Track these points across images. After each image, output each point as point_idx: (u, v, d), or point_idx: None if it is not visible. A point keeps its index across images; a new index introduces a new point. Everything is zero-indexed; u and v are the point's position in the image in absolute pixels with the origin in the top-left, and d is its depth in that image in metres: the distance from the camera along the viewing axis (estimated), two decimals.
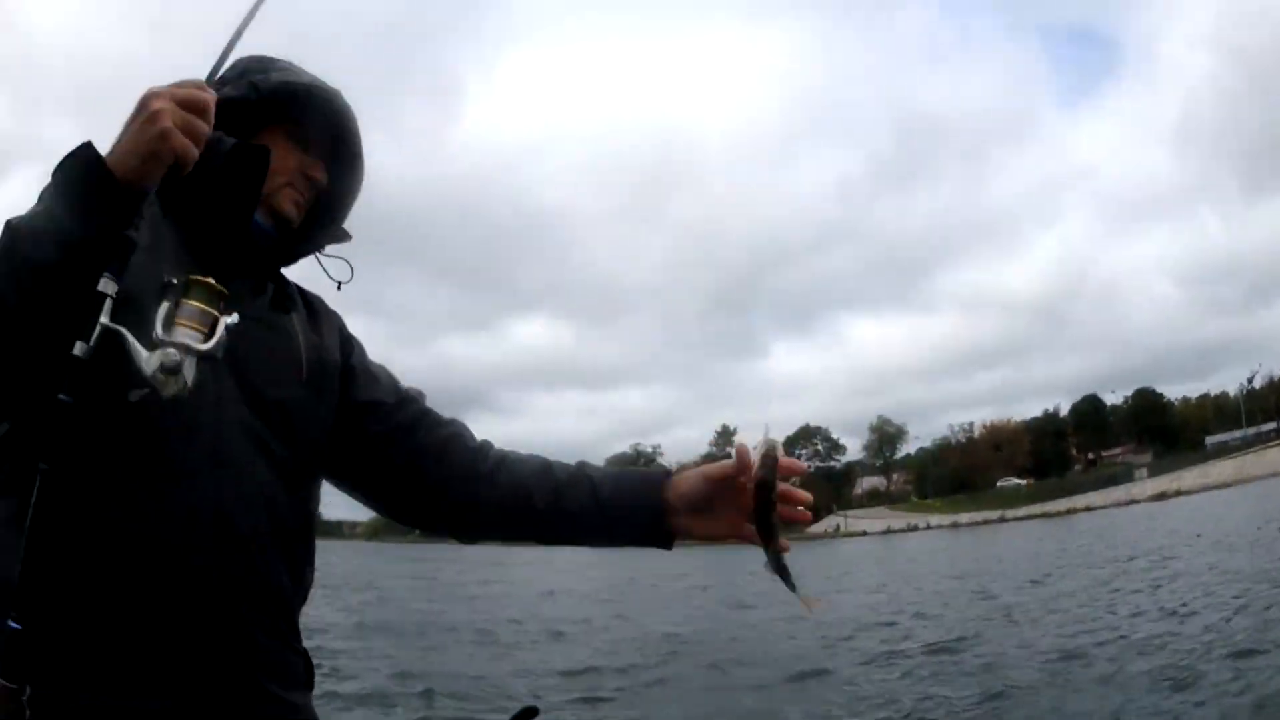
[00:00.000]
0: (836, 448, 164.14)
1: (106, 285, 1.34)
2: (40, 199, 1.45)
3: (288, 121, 1.81)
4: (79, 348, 1.31)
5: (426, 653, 17.48)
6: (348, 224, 1.98)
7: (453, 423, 2.01)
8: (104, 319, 1.33)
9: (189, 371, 1.35)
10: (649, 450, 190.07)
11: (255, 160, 1.71)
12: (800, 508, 1.74)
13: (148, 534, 1.50)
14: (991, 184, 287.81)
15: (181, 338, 1.35)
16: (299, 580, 1.76)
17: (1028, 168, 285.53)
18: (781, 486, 1.70)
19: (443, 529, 2.05)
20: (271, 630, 1.65)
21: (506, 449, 2.02)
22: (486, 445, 2.00)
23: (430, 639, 19.43)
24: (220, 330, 1.39)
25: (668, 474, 1.88)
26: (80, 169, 1.40)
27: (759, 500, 1.70)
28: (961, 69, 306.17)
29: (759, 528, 1.73)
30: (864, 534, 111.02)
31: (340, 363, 1.92)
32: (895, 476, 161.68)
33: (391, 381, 2.01)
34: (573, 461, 1.96)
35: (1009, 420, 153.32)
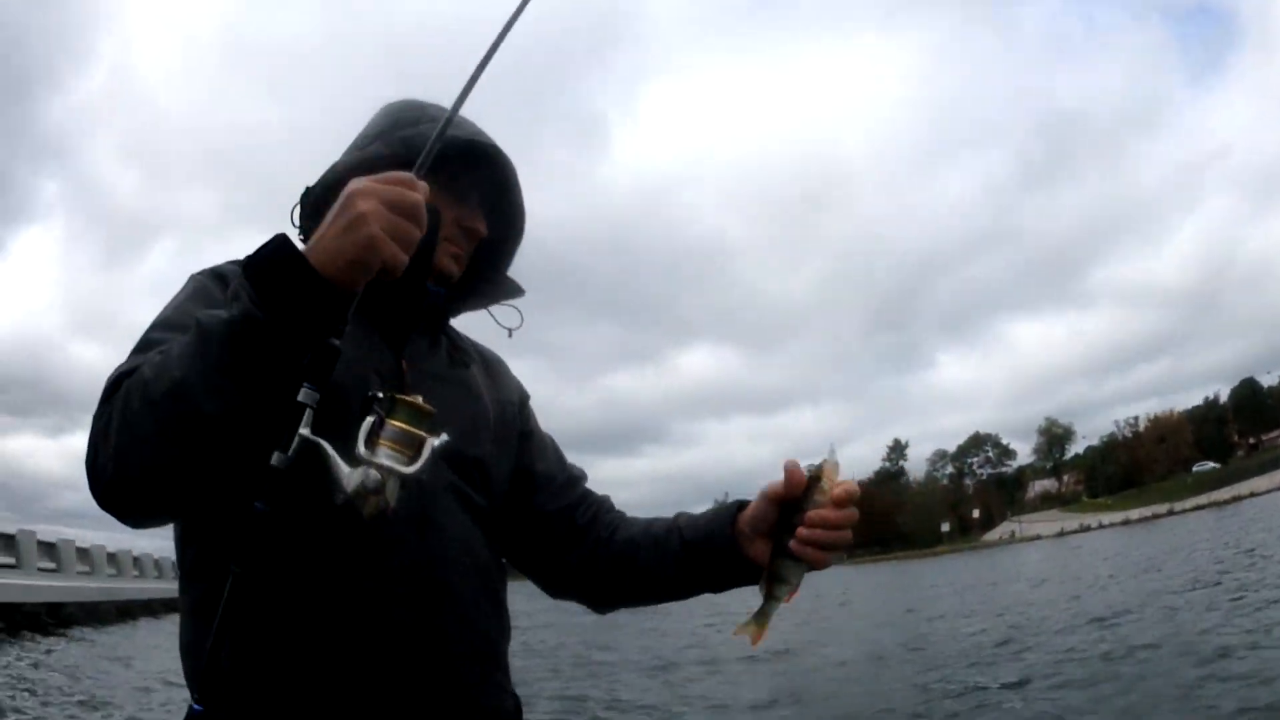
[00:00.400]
0: (1006, 453, 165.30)
1: (307, 395, 1.29)
2: (233, 297, 1.34)
3: (443, 174, 1.67)
4: (276, 458, 1.28)
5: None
6: (516, 275, 1.93)
7: (602, 501, 1.99)
8: (304, 430, 1.28)
9: (392, 493, 1.30)
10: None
11: (430, 222, 1.51)
12: (820, 548, 1.54)
13: (359, 602, 1.49)
14: (1131, 174, 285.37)
15: (384, 459, 1.29)
16: (504, 624, 1.75)
17: (1165, 153, 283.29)
18: (818, 513, 1.52)
19: (578, 599, 1.99)
20: (486, 678, 1.65)
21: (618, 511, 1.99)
22: (616, 515, 1.96)
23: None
24: (427, 452, 1.33)
25: (741, 504, 1.71)
26: (281, 269, 1.30)
27: (779, 519, 1.59)
28: (1090, 60, 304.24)
29: (773, 546, 1.60)
30: (1038, 538, 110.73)
31: (519, 421, 1.93)
32: (1066, 477, 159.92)
33: (559, 455, 2.01)
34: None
35: (1171, 411, 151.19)
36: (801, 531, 1.54)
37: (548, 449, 2.00)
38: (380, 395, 1.35)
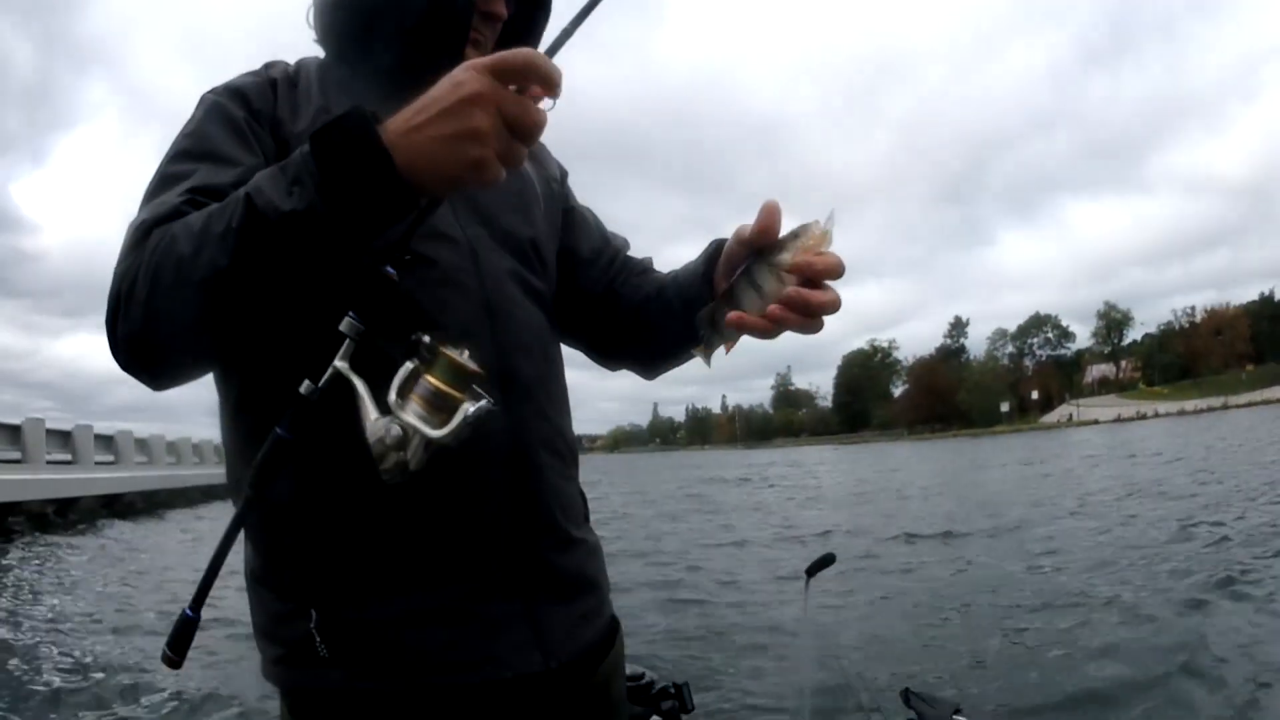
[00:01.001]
0: (1066, 335, 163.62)
1: (350, 326, 1.18)
2: (294, 180, 1.16)
3: None
4: (305, 386, 1.19)
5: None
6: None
7: (642, 262, 1.86)
8: (340, 362, 1.19)
9: (415, 454, 1.15)
10: (884, 345, 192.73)
11: (456, 6, 1.50)
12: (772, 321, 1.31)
13: None
14: (1193, 62, 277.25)
15: (412, 416, 1.15)
16: (568, 407, 1.66)
17: (1226, 41, 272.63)
18: (784, 292, 1.30)
19: (628, 367, 1.89)
20: (561, 471, 1.56)
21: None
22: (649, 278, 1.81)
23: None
24: (458, 419, 1.16)
25: (721, 243, 1.55)
26: (358, 161, 1.13)
27: (745, 267, 1.37)
28: None
29: (725, 292, 1.40)
30: (1095, 422, 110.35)
31: (563, 198, 1.81)
32: (1124, 363, 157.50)
33: (601, 230, 1.88)
34: None
35: (1228, 305, 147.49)
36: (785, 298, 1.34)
37: (590, 225, 1.85)
38: (425, 340, 1.18)
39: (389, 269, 1.22)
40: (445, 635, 1.36)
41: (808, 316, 1.30)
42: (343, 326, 1.19)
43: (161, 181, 1.39)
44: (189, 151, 1.42)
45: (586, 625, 1.54)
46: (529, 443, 1.48)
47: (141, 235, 1.28)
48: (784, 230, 1.34)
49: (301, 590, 1.35)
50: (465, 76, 1.13)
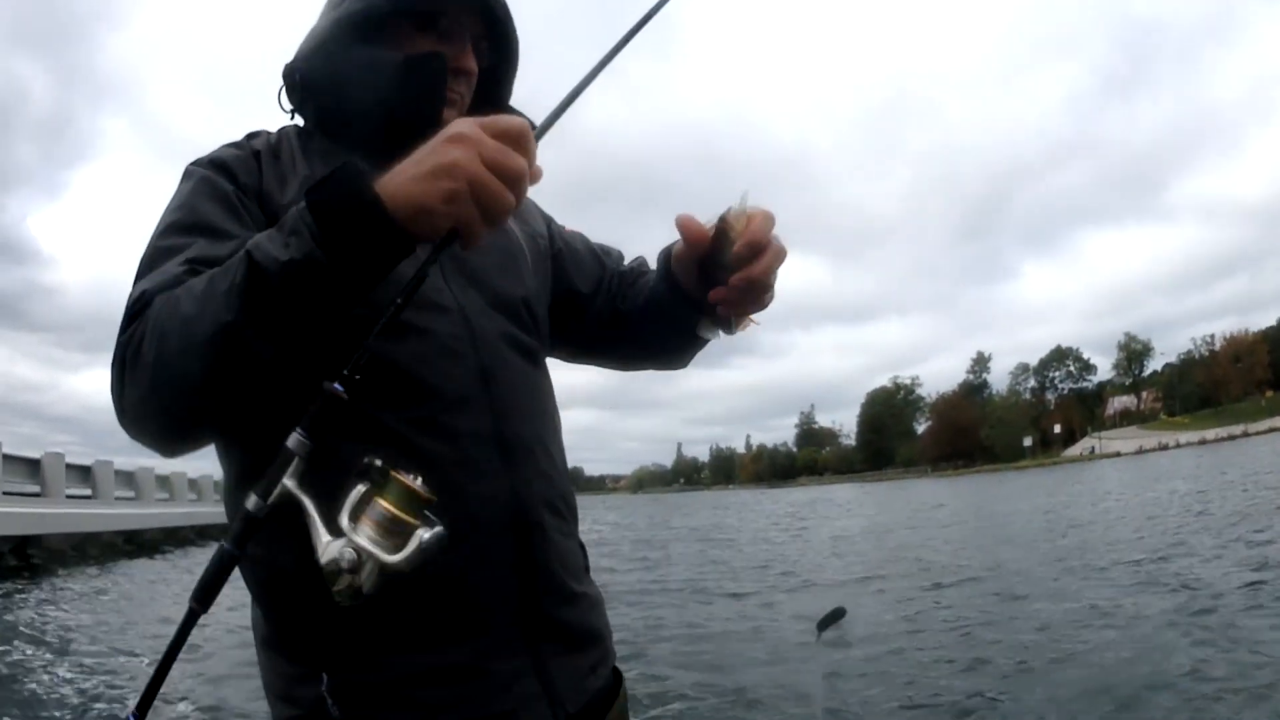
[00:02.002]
0: (1087, 368, 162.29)
1: (297, 444, 1.14)
2: (292, 231, 1.20)
3: (416, 15, 1.56)
4: (253, 502, 1.13)
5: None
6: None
7: (635, 269, 1.89)
8: (289, 480, 1.14)
9: (368, 578, 1.12)
10: (907, 382, 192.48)
11: (432, 71, 1.52)
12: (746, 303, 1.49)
13: (435, 472, 1.24)
14: (1209, 86, 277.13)
15: (365, 540, 1.12)
16: (565, 462, 1.66)
17: (1241, 65, 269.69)
18: (736, 277, 1.43)
19: (650, 368, 1.95)
20: (562, 529, 1.56)
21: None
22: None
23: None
24: (413, 545, 1.13)
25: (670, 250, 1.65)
26: (351, 206, 1.18)
27: (700, 274, 1.54)
28: None
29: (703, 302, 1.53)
30: (1118, 455, 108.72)
31: (550, 247, 1.81)
32: (1144, 394, 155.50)
33: (594, 257, 1.88)
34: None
35: (1246, 331, 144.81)
36: (719, 293, 1.48)
37: (582, 258, 1.86)
38: (376, 464, 1.15)
39: (336, 385, 1.16)
40: (457, 692, 1.37)
41: (766, 280, 1.47)
42: (290, 443, 1.15)
43: (156, 254, 1.40)
44: (181, 225, 1.43)
45: (593, 676, 1.57)
46: (530, 504, 1.49)
47: (143, 305, 1.30)
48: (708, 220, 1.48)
49: (311, 654, 1.35)
50: (454, 123, 1.21)
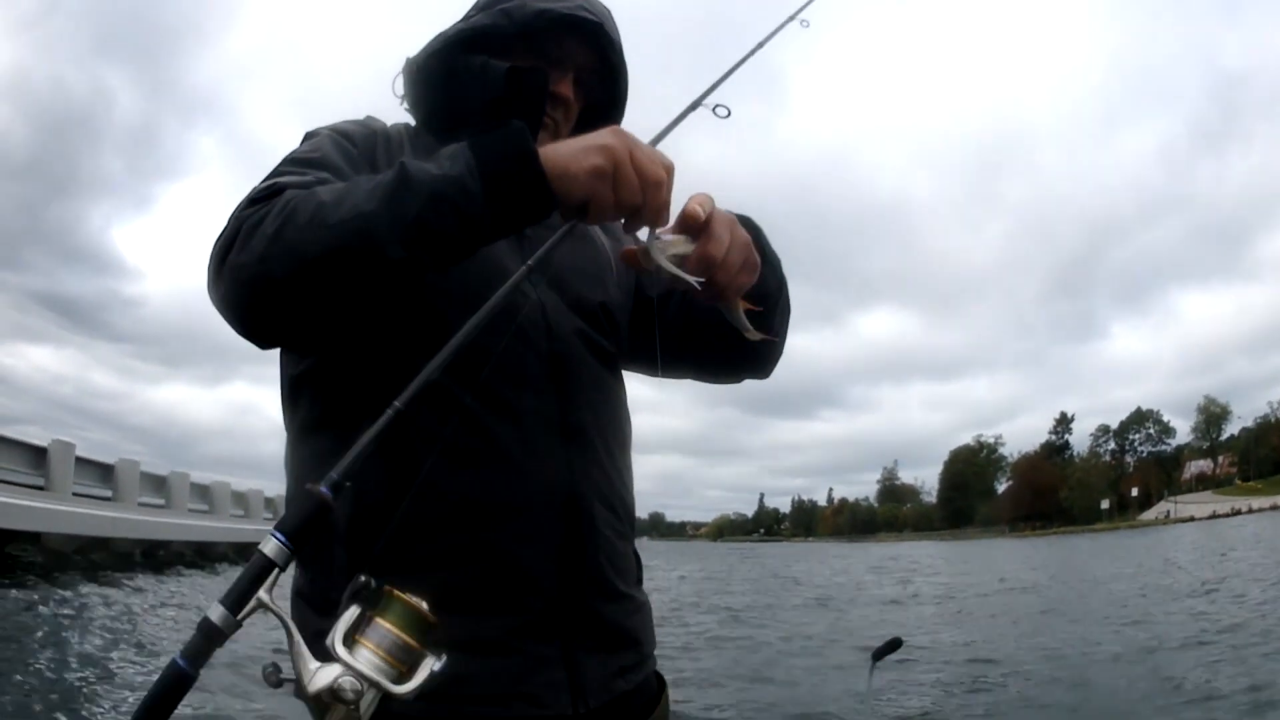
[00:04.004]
0: (1166, 431, 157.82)
1: (277, 552, 1.06)
2: (449, 157, 1.30)
3: (543, 51, 1.66)
4: (218, 613, 1.03)
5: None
6: None
7: None
8: (263, 593, 1.05)
9: (368, 709, 1.04)
10: (990, 441, 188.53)
11: (534, 84, 1.61)
12: (724, 291, 1.42)
13: (502, 454, 1.43)
14: None
15: (366, 665, 1.04)
16: (629, 471, 1.67)
17: None
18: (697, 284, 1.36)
19: (747, 375, 1.89)
20: (615, 527, 1.57)
21: None
22: None
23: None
24: (423, 675, 1.08)
25: None
26: (510, 152, 1.28)
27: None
28: (1255, 21, 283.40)
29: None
30: (1191, 519, 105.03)
31: None
32: (1220, 459, 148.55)
33: None
34: None
35: None
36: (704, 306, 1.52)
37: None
38: (370, 583, 1.10)
39: (324, 489, 1.11)
40: (486, 665, 1.36)
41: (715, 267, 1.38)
42: (268, 550, 1.07)
43: (282, 173, 1.45)
44: (309, 160, 1.50)
45: (622, 678, 1.55)
46: (585, 493, 1.50)
47: (274, 191, 1.34)
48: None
49: (298, 549, 1.19)
50: (614, 128, 1.34)
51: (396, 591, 1.10)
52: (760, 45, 1.79)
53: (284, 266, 1.26)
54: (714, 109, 1.67)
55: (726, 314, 1.48)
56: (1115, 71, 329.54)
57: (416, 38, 1.73)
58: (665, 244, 1.35)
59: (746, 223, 1.54)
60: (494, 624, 1.40)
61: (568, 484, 1.49)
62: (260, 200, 1.33)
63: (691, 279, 1.35)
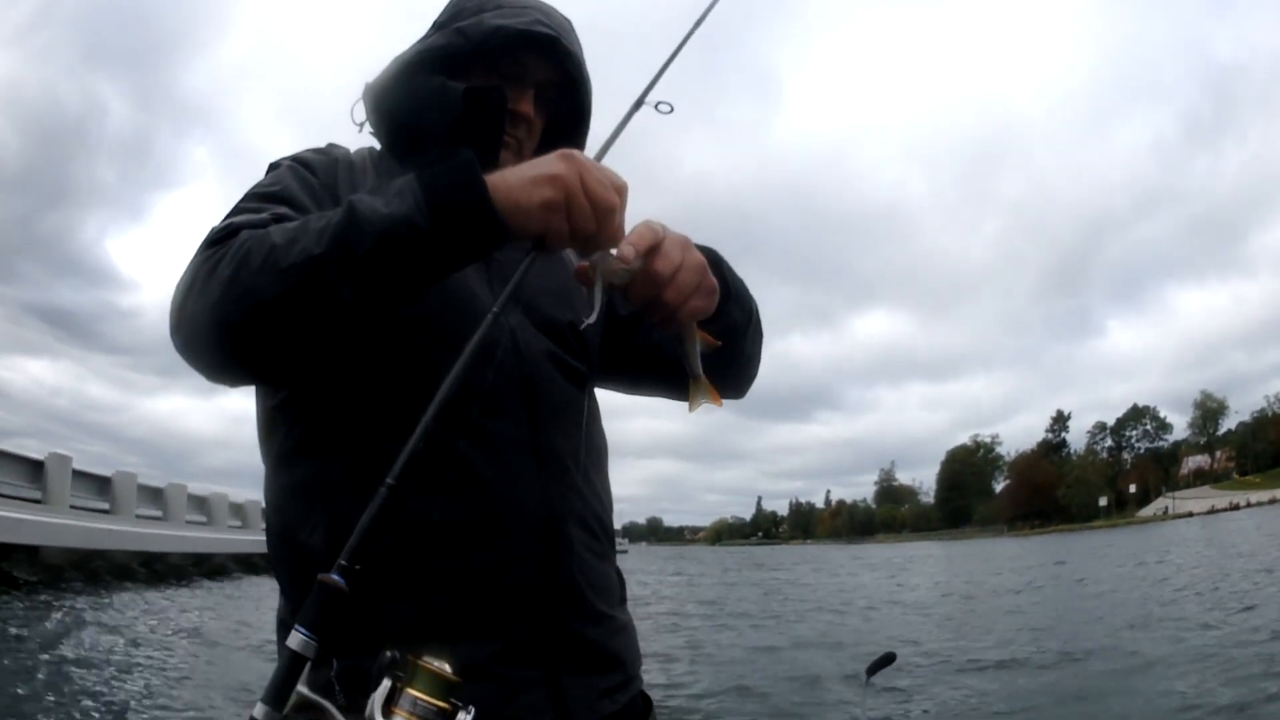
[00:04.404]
0: (1163, 427, 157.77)
1: (302, 644, 1.09)
2: (396, 194, 1.26)
3: (485, 56, 1.63)
4: (261, 712, 1.07)
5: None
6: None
7: None
8: (303, 688, 1.10)
9: None
10: (987, 441, 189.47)
11: (492, 103, 1.58)
12: (674, 314, 1.37)
13: (471, 475, 1.41)
14: None
15: None
16: (607, 491, 1.67)
17: None
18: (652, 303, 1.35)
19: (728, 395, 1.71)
20: (593, 548, 1.56)
21: None
22: None
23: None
24: None
25: None
26: (458, 186, 1.25)
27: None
28: (1247, 13, 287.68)
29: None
30: (1190, 515, 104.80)
31: None
32: (1218, 454, 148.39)
33: None
34: None
35: None
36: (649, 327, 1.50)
37: None
38: (396, 656, 1.13)
39: (335, 576, 1.12)
40: (469, 692, 1.25)
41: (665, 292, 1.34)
42: (294, 644, 1.10)
43: (242, 210, 1.45)
44: (268, 194, 1.50)
45: (608, 699, 1.53)
46: (560, 515, 1.49)
47: (229, 233, 1.34)
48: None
49: (325, 638, 1.19)
50: (565, 150, 1.30)
51: (421, 662, 1.13)
52: (690, 33, 1.75)
53: (239, 311, 1.26)
54: (656, 106, 1.65)
55: (676, 343, 1.43)
56: (1106, 65, 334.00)
57: (398, 49, 1.71)
58: (614, 262, 1.32)
59: (708, 252, 1.51)
60: (475, 649, 1.36)
61: (543, 507, 1.47)
62: (217, 243, 1.33)
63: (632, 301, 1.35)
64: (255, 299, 1.24)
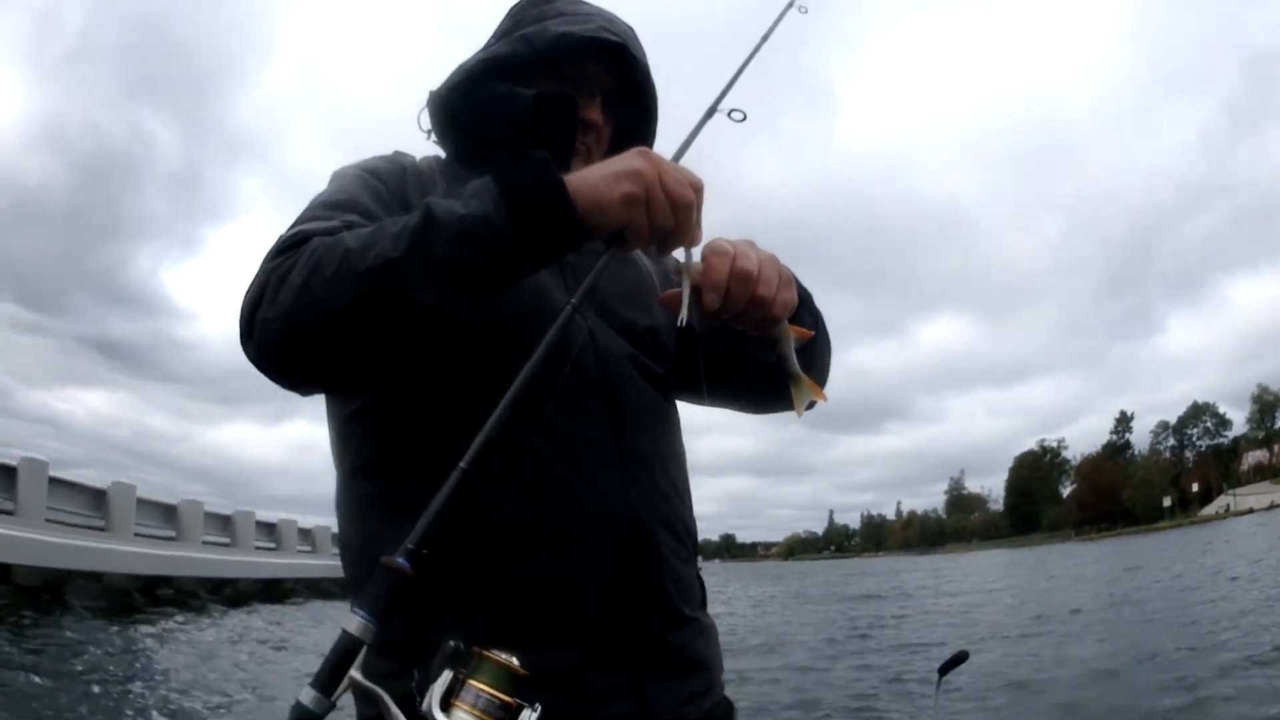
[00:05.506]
0: (1223, 423, 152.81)
1: (362, 628, 1.05)
2: (473, 195, 1.26)
3: (565, 75, 1.62)
4: (310, 697, 1.02)
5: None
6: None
7: None
8: (355, 672, 1.04)
9: None
10: (1053, 445, 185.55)
11: (563, 110, 1.57)
12: (755, 323, 1.40)
13: (553, 478, 1.38)
14: None
15: None
16: (689, 494, 1.63)
17: None
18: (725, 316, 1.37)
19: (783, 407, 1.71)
20: (678, 552, 1.52)
21: None
22: None
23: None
24: None
25: None
26: (536, 185, 1.24)
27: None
28: None
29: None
30: (1250, 511, 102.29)
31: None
32: (1276, 448, 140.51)
33: None
34: None
35: None
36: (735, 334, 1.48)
37: None
38: (459, 647, 1.08)
39: (400, 560, 1.09)
40: (549, 699, 1.20)
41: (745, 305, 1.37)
42: (352, 628, 1.06)
43: (311, 218, 1.42)
44: (337, 202, 1.47)
45: (693, 704, 1.50)
46: (646, 518, 1.46)
47: (300, 240, 1.31)
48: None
49: (405, 650, 1.21)
50: (640, 149, 1.31)
51: (485, 652, 1.09)
52: (764, 40, 1.75)
53: (313, 318, 1.24)
54: (729, 114, 1.64)
55: (770, 346, 1.45)
56: (1145, 58, 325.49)
57: (455, 65, 1.69)
58: (698, 267, 1.35)
59: None
60: (561, 656, 1.36)
61: (628, 510, 1.45)
62: (287, 250, 1.32)
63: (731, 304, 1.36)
64: (330, 305, 1.23)
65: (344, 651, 1.05)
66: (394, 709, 1.05)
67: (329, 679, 1.04)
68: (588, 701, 1.36)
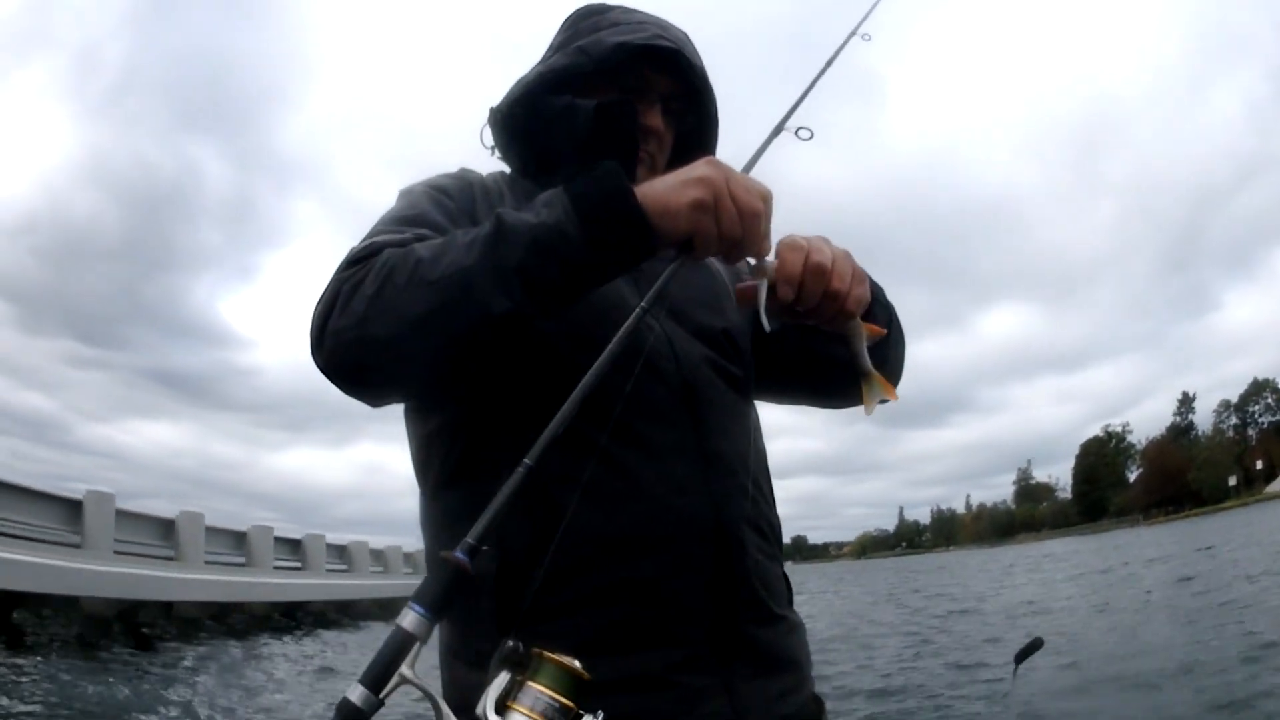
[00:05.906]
0: None
1: (416, 622, 1.04)
2: (545, 204, 1.27)
3: (623, 84, 1.62)
4: (359, 694, 1.00)
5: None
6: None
7: None
8: (406, 669, 1.02)
9: None
10: (1118, 430, 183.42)
11: (624, 118, 1.58)
12: (828, 317, 1.39)
13: (638, 484, 1.38)
14: None
15: None
16: (773, 493, 1.63)
17: None
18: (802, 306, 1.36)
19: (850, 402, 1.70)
20: (765, 549, 1.52)
21: None
22: None
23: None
24: None
25: None
26: (606, 193, 1.25)
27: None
28: None
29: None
30: None
31: None
32: None
33: None
34: None
35: None
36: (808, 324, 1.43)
37: None
38: (518, 647, 1.05)
39: (460, 555, 1.08)
40: (642, 702, 1.30)
41: (820, 302, 1.36)
42: (406, 623, 1.05)
43: (383, 231, 1.43)
44: (407, 218, 1.48)
45: (784, 701, 1.49)
46: (732, 518, 1.46)
47: (372, 251, 1.33)
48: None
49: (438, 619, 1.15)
50: (708, 159, 1.31)
51: (546, 653, 1.05)
52: (828, 65, 1.73)
53: (386, 327, 1.25)
54: (796, 132, 1.62)
55: (844, 342, 1.44)
56: (1193, 35, 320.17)
57: (510, 81, 1.71)
58: (772, 264, 1.34)
59: None
60: (651, 659, 1.35)
61: (714, 512, 1.44)
62: (359, 261, 1.32)
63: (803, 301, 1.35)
64: (404, 314, 1.24)
65: (397, 647, 1.03)
66: (445, 709, 1.04)
67: (379, 676, 1.01)
68: (681, 703, 1.35)
